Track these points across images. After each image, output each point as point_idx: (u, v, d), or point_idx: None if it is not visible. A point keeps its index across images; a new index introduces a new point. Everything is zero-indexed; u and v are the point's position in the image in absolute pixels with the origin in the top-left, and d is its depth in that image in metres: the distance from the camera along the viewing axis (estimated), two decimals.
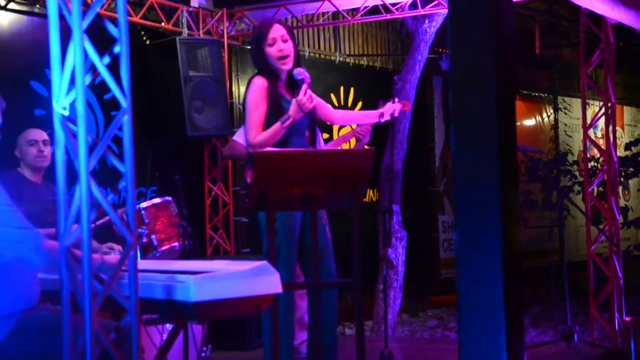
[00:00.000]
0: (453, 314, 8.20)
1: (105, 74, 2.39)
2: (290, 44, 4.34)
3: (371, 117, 4.65)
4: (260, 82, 4.36)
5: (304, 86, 4.23)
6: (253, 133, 4.33)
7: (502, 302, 2.87)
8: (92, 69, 2.42)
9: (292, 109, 4.25)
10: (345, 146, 5.58)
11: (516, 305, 2.96)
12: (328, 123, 4.78)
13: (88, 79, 2.39)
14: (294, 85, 4.35)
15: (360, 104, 8.78)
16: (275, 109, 4.32)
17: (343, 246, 4.55)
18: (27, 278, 2.97)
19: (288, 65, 4.34)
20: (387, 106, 4.59)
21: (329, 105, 4.75)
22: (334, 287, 4.53)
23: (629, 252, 10.61)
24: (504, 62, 3.15)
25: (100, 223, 4.40)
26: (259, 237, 4.54)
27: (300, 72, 4.28)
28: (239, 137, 5.37)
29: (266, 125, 4.33)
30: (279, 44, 4.31)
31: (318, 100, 4.53)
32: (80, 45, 2.37)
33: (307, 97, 4.24)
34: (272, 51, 4.32)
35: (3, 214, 2.85)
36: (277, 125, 4.28)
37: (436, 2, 6.28)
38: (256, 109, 4.34)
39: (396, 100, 4.63)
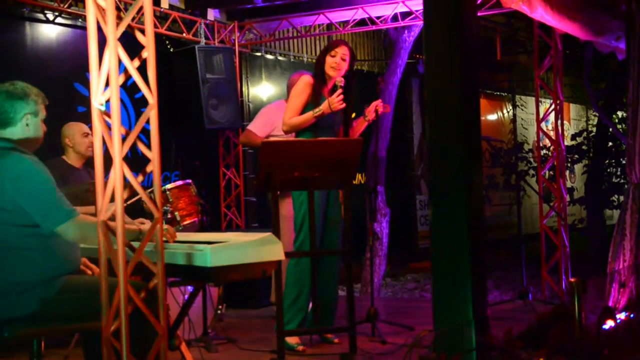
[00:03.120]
0: (428, 278, 8.22)
1: (135, 75, 2.38)
2: (346, 64, 4.52)
3: (361, 125, 4.67)
4: (307, 78, 4.53)
5: (339, 90, 4.38)
6: (289, 115, 4.46)
7: (469, 267, 2.88)
8: (124, 71, 2.41)
9: (324, 104, 4.38)
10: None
11: (480, 269, 2.97)
12: None
13: (121, 80, 2.39)
14: (333, 93, 4.43)
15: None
16: (313, 104, 4.38)
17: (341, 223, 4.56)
18: (70, 247, 2.97)
19: (334, 73, 4.46)
20: (371, 106, 4.61)
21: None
22: (330, 255, 4.54)
23: (574, 225, 10.65)
24: (469, 65, 3.14)
25: (131, 202, 4.39)
26: (266, 213, 4.54)
27: (341, 80, 4.44)
28: (253, 127, 5.41)
29: (302, 114, 4.44)
30: (338, 58, 4.49)
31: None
32: (114, 51, 2.36)
33: (338, 99, 4.35)
34: (330, 61, 4.48)
35: (45, 192, 2.83)
36: (309, 113, 4.39)
37: (414, 15, 6.25)
38: (298, 97, 4.47)
39: (379, 101, 4.64)
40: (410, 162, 10.00)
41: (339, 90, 4.37)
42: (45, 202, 2.82)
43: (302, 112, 4.46)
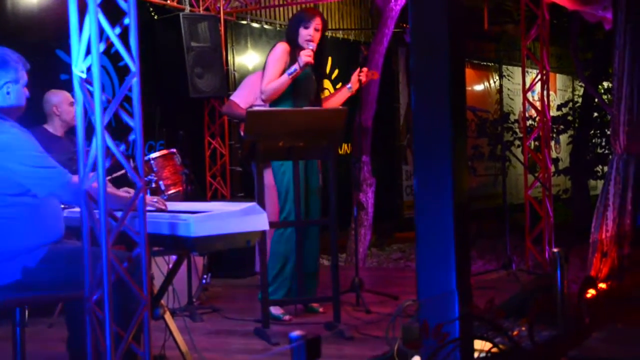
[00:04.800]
0: (413, 248, 8.24)
1: (117, 42, 2.35)
2: (319, 34, 4.49)
3: (344, 94, 4.66)
4: (284, 46, 4.50)
5: (308, 47, 4.37)
6: (266, 81, 4.44)
7: (452, 236, 2.88)
8: (106, 39, 2.38)
9: (296, 64, 4.35)
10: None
11: (464, 239, 2.97)
12: None
13: (102, 47, 2.35)
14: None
15: (337, 71, 8.70)
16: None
17: (322, 191, 4.56)
18: (55, 215, 2.96)
19: (310, 46, 4.43)
20: (352, 78, 4.60)
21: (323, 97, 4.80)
22: (313, 225, 4.54)
23: (559, 196, 10.71)
24: (455, 34, 3.12)
25: (115, 176, 4.37)
26: (251, 183, 4.53)
27: (311, 44, 4.41)
28: (236, 97, 5.35)
29: None
30: (311, 30, 4.44)
31: None
32: (95, 18, 2.32)
33: (306, 53, 4.34)
34: (304, 32, 4.44)
35: (35, 157, 2.84)
36: (284, 75, 4.36)
37: None
38: (275, 64, 4.45)
39: (364, 69, 4.62)
40: (396, 132, 10.00)
41: (309, 50, 4.34)
42: (38, 166, 2.82)
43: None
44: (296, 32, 4.47)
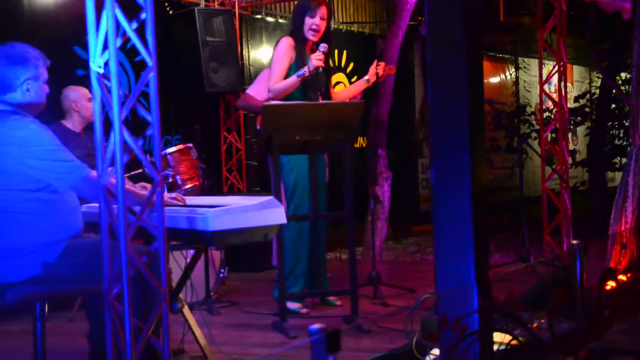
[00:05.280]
0: (430, 241, 8.23)
1: (134, 37, 2.35)
2: (325, 22, 4.43)
3: (360, 85, 4.64)
4: (288, 41, 4.44)
5: (319, 50, 4.31)
6: (274, 80, 4.40)
7: (471, 229, 2.87)
8: (123, 34, 2.38)
9: (306, 67, 4.30)
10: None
11: (482, 232, 2.96)
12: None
13: (119, 42, 2.36)
14: (315, 52, 4.35)
15: (351, 65, 8.69)
16: (298, 64, 4.34)
17: (338, 185, 4.55)
18: (73, 210, 2.98)
19: (315, 38, 4.41)
20: (370, 70, 4.58)
21: (331, 88, 4.76)
22: (330, 219, 4.54)
23: (576, 188, 10.64)
24: (472, 27, 3.10)
25: (133, 174, 4.38)
26: (267, 177, 4.54)
27: (323, 46, 4.34)
28: (251, 90, 5.35)
29: (287, 77, 4.38)
30: (317, 19, 4.38)
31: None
32: (112, 13, 2.33)
33: (316, 57, 4.28)
34: (309, 22, 4.38)
35: (55, 152, 2.86)
36: (293, 77, 4.33)
37: None
38: (280, 61, 4.40)
39: (381, 63, 4.61)
40: (412, 125, 9.96)
41: (320, 50, 4.30)
42: (57, 160, 2.84)
43: (287, 75, 4.39)
44: (301, 21, 4.41)
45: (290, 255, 4.41)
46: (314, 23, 4.38)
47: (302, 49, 4.41)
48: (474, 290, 2.73)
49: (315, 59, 4.27)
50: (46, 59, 3.04)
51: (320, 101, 4.56)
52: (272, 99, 4.43)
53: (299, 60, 4.37)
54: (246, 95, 5.41)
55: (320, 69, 4.36)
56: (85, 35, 2.41)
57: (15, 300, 2.79)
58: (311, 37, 4.39)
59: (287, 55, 4.39)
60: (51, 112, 4.65)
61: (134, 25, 2.36)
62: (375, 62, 4.57)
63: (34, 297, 2.86)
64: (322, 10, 4.41)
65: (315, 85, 4.44)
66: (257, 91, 5.34)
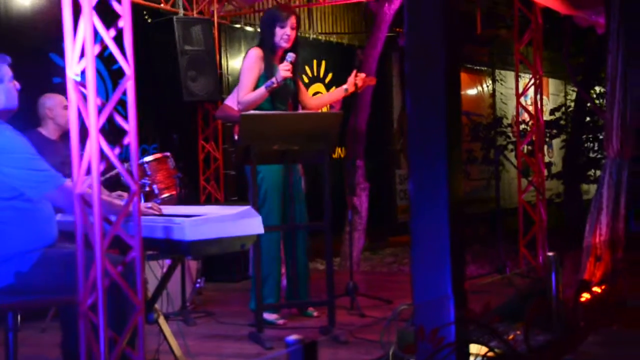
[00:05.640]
0: (407, 252, 8.25)
1: (111, 45, 2.34)
2: (295, 32, 4.43)
3: (338, 93, 4.65)
4: (256, 52, 4.43)
5: (287, 60, 4.31)
6: (242, 92, 4.39)
7: (448, 240, 2.88)
8: (100, 41, 2.36)
9: (274, 77, 4.29)
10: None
11: (459, 243, 2.97)
12: (302, 107, 4.80)
13: (96, 50, 2.34)
14: (283, 61, 4.35)
15: (330, 75, 8.70)
16: (267, 75, 4.34)
17: (315, 196, 4.54)
18: (48, 219, 2.94)
19: (287, 45, 4.39)
20: (349, 80, 4.59)
21: (307, 93, 4.79)
22: (308, 229, 4.53)
23: (552, 200, 10.72)
24: (451, 38, 3.12)
25: (108, 176, 4.35)
26: (245, 187, 4.52)
27: (291, 55, 4.35)
28: (229, 101, 5.33)
29: (256, 88, 4.37)
30: (288, 29, 4.39)
31: (300, 86, 4.60)
32: (90, 20, 2.31)
33: (284, 67, 4.27)
34: (280, 32, 4.38)
35: (30, 160, 2.81)
36: (262, 88, 4.32)
37: None
38: (249, 73, 4.40)
39: (361, 73, 4.62)
40: (390, 136, 10.00)
41: (287, 60, 4.31)
42: (32, 169, 2.79)
43: (256, 86, 4.39)
44: (272, 31, 4.41)
45: (263, 267, 4.39)
46: (285, 33, 4.39)
47: (271, 59, 4.41)
48: (451, 302, 2.74)
49: (283, 70, 4.27)
50: (3, 56, 2.95)
51: (299, 111, 4.56)
52: (242, 110, 4.40)
53: (268, 71, 4.37)
54: (224, 105, 5.39)
55: (289, 79, 4.35)
56: (62, 42, 2.39)
57: None
58: (284, 44, 4.40)
59: (255, 67, 4.39)
60: (28, 119, 4.61)
61: (112, 33, 2.35)
62: (354, 72, 4.58)
63: (6, 307, 2.81)
64: (292, 20, 4.41)
65: (284, 95, 4.45)
66: (234, 102, 5.33)
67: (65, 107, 4.67)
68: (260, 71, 4.38)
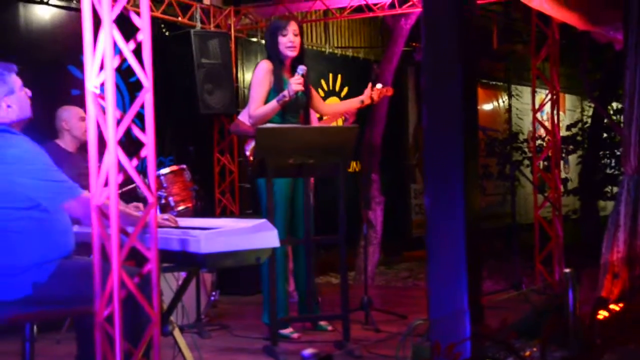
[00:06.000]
0: (422, 267, 8.22)
1: (130, 58, 2.35)
2: (299, 38, 4.41)
3: (354, 103, 4.66)
4: (266, 65, 4.42)
5: (298, 73, 4.30)
6: (254, 106, 4.39)
7: (464, 255, 2.86)
8: (119, 54, 2.38)
9: (286, 91, 4.29)
10: (333, 124, 5.56)
11: (475, 258, 2.95)
12: (317, 114, 4.80)
13: (115, 62, 2.36)
14: (293, 72, 4.35)
15: (346, 89, 8.72)
16: (276, 89, 4.34)
17: (330, 209, 4.54)
18: (65, 230, 2.95)
19: (294, 53, 4.37)
20: (365, 92, 4.60)
21: (321, 100, 4.79)
22: (323, 243, 4.52)
23: (568, 216, 10.65)
24: (467, 54, 3.12)
25: (125, 190, 4.36)
26: (258, 200, 4.53)
27: (302, 68, 4.33)
28: (243, 116, 5.33)
29: (267, 101, 4.35)
30: (291, 36, 4.36)
31: (314, 93, 4.59)
32: (109, 33, 2.33)
33: (296, 81, 4.25)
34: (283, 40, 4.36)
35: (46, 171, 2.83)
36: (273, 102, 4.32)
37: (411, 2, 6.22)
38: (259, 87, 4.39)
39: (377, 86, 4.63)
40: (405, 150, 9.99)
41: (298, 73, 4.30)
42: (49, 180, 2.80)
43: (267, 99, 4.39)
44: (275, 42, 4.40)
45: (281, 277, 4.39)
46: (288, 40, 4.38)
47: (280, 71, 4.42)
48: (467, 317, 2.72)
49: (295, 83, 4.27)
50: (8, 65, 2.93)
51: (312, 122, 4.57)
52: (253, 124, 4.40)
53: (277, 84, 4.37)
54: (237, 120, 5.39)
55: (300, 92, 4.35)
56: (81, 55, 2.41)
57: (5, 321, 2.75)
58: (290, 53, 4.39)
59: (265, 80, 4.38)
60: (46, 131, 4.65)
61: (131, 46, 2.36)
62: (370, 85, 4.58)
63: (24, 318, 2.82)
64: (293, 26, 4.40)
65: (295, 108, 4.44)
66: (246, 117, 5.33)
67: (81, 119, 4.71)
68: (271, 84, 4.38)
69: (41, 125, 3.17)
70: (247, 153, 4.82)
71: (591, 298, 4.94)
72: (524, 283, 5.70)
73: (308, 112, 4.56)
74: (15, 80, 2.93)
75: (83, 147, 4.75)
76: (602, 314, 4.02)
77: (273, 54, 4.42)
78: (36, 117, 3.05)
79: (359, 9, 6.52)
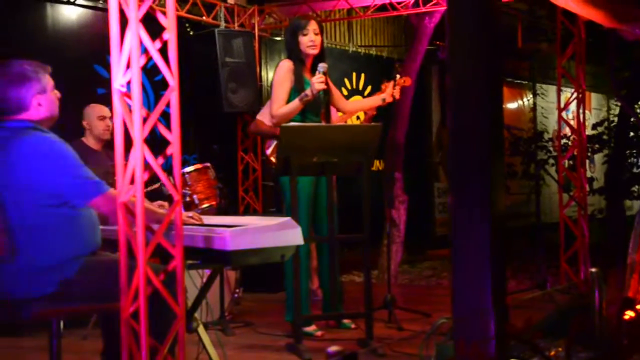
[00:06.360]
0: (445, 266, 8.19)
1: (157, 57, 2.37)
2: (320, 37, 4.43)
3: (375, 101, 4.65)
4: (287, 64, 4.42)
5: (319, 71, 4.30)
6: (276, 105, 4.40)
7: (489, 255, 2.84)
8: (145, 53, 2.40)
9: (309, 90, 4.31)
10: (355, 120, 5.57)
11: (500, 258, 2.93)
12: (339, 112, 4.80)
13: (142, 61, 2.38)
14: (314, 71, 4.36)
15: (369, 88, 8.71)
16: (297, 88, 4.35)
17: (353, 208, 4.53)
18: (91, 227, 2.97)
19: (315, 51, 4.37)
20: (387, 89, 4.59)
21: (342, 97, 4.79)
22: (346, 242, 4.52)
23: (594, 216, 10.53)
24: (492, 52, 3.10)
25: (150, 189, 4.40)
26: (282, 198, 4.54)
27: (323, 66, 4.33)
28: (262, 116, 5.35)
29: (288, 101, 4.36)
30: (311, 35, 4.38)
31: (335, 91, 4.59)
32: (136, 32, 2.35)
33: (318, 80, 4.24)
34: (304, 39, 4.37)
35: (74, 168, 2.86)
36: (296, 101, 4.33)
37: (435, 1, 6.19)
38: (281, 86, 4.39)
39: (397, 78, 4.62)
40: (428, 149, 9.95)
41: (319, 71, 4.30)
42: (76, 177, 2.83)
43: (289, 99, 4.39)
44: (295, 41, 4.42)
45: (304, 275, 4.39)
46: (309, 40, 4.39)
47: (301, 70, 4.42)
48: (491, 316, 2.70)
49: (317, 82, 4.27)
50: (44, 65, 2.98)
51: (333, 120, 4.57)
52: (276, 124, 4.41)
53: (298, 83, 4.37)
54: (256, 120, 5.41)
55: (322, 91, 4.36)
56: (107, 54, 2.43)
57: (33, 317, 2.79)
58: (311, 51, 4.39)
59: (287, 79, 4.39)
60: (72, 129, 4.70)
61: (157, 44, 2.38)
62: (391, 83, 4.58)
63: (50, 315, 2.85)
64: (313, 25, 4.41)
65: (316, 106, 4.43)
66: (265, 116, 5.35)
67: (100, 118, 4.75)
68: (292, 83, 4.39)
69: (67, 124, 3.20)
70: (268, 152, 4.84)
71: (617, 298, 4.90)
72: (549, 282, 5.66)
73: (329, 110, 4.56)
74: (49, 81, 2.98)
75: (107, 145, 4.79)
76: (629, 314, 3.98)
77: (294, 53, 4.44)
78: (62, 115, 3.09)
79: (382, 8, 6.51)
